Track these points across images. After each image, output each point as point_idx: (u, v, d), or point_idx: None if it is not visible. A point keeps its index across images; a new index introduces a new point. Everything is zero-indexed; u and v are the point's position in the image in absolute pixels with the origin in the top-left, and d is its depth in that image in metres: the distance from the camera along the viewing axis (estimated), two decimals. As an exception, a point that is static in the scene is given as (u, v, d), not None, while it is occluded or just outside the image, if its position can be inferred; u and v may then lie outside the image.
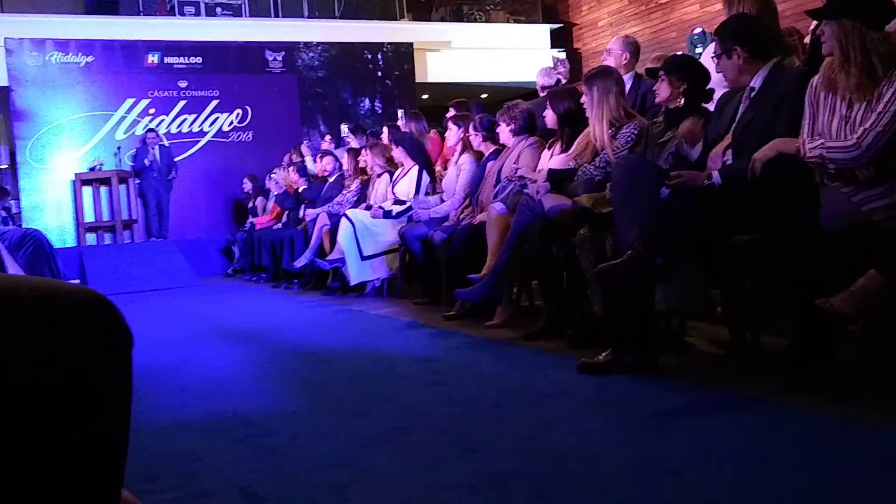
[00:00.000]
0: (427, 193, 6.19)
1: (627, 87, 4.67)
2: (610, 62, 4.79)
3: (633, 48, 4.96)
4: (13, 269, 3.15)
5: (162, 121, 11.02)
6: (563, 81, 6.33)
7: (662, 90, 3.49)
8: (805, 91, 2.78)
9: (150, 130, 10.69)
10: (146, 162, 10.55)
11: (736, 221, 2.77)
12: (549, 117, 4.38)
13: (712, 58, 3.19)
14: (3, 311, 0.88)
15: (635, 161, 3.25)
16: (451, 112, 6.38)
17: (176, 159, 10.93)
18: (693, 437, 2.13)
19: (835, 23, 2.58)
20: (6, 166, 13.38)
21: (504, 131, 4.86)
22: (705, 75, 3.49)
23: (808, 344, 2.66)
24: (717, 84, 3.57)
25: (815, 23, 3.93)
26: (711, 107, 3.45)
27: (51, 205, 10.47)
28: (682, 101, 3.44)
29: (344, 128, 9.63)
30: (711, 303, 3.68)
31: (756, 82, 2.99)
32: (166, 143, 10.77)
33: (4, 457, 0.90)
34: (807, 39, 4.50)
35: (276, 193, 9.49)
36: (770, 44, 3.08)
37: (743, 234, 2.77)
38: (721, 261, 3.04)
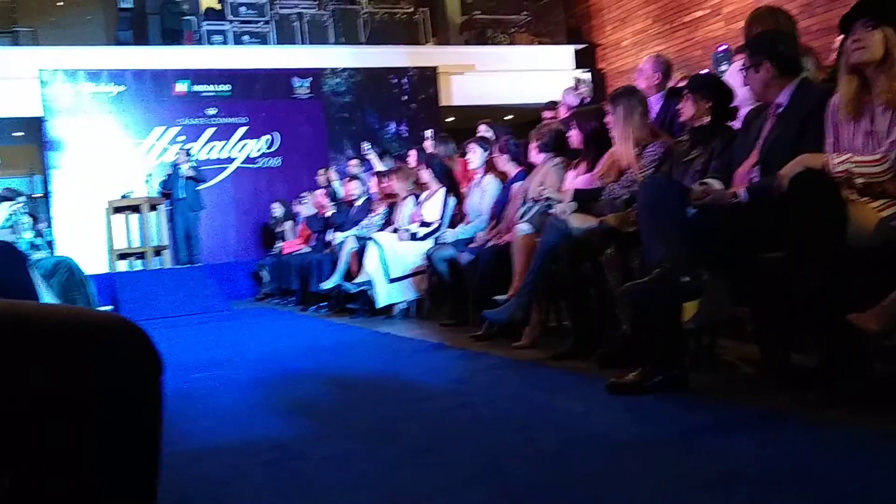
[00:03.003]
0: (454, 216, 6.22)
1: (657, 106, 4.66)
2: (641, 82, 4.78)
3: (664, 67, 4.94)
4: (47, 296, 3.20)
5: (192, 148, 11.17)
6: (587, 101, 6.34)
7: (687, 109, 3.48)
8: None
9: (181, 149, 10.83)
10: (166, 174, 10.69)
11: (763, 238, 2.75)
12: (575, 137, 4.38)
13: (741, 70, 3.18)
14: (38, 341, 0.90)
15: (661, 180, 3.25)
16: (484, 129, 6.33)
17: (203, 186, 11.01)
18: (724, 455, 2.11)
19: (891, 28, 2.55)
20: (40, 195, 13.61)
21: (533, 150, 4.89)
22: (730, 93, 3.48)
23: (838, 360, 2.63)
24: (743, 101, 3.56)
25: (840, 38, 3.91)
26: (737, 125, 3.43)
27: (83, 232, 10.62)
28: (708, 119, 3.43)
29: (365, 145, 9.70)
30: (741, 320, 3.65)
31: (783, 98, 2.97)
32: (194, 164, 10.86)
33: (39, 481, 0.92)
34: (832, 57, 4.47)
35: (305, 216, 9.56)
36: (799, 60, 3.07)
37: (771, 251, 2.75)
38: (749, 278, 3.02)
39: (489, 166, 5.65)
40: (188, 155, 10.77)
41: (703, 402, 2.76)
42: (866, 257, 2.44)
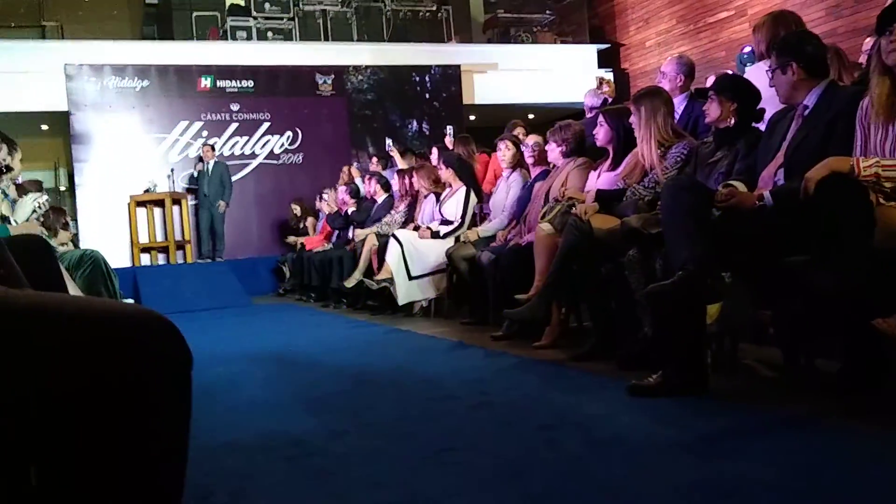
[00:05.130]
0: (475, 214, 6.22)
1: (681, 108, 4.63)
2: (665, 84, 4.74)
3: (687, 69, 4.90)
4: (73, 289, 3.24)
5: (215, 143, 11.24)
6: (609, 101, 6.31)
7: (712, 110, 3.45)
8: (859, 110, 2.74)
9: (206, 144, 10.89)
10: (194, 173, 10.72)
11: (788, 242, 2.73)
12: (603, 134, 4.33)
13: (767, 72, 3.15)
14: (69, 333, 0.91)
15: (685, 181, 3.22)
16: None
17: (236, 178, 11.12)
18: (744, 460, 2.10)
19: None
20: (65, 188, 13.74)
21: (554, 151, 4.85)
22: (756, 95, 3.45)
23: (861, 366, 2.60)
24: (769, 103, 3.52)
25: (870, 41, 3.87)
26: (762, 126, 3.41)
27: (106, 226, 10.72)
28: (733, 120, 3.40)
29: (389, 141, 9.70)
30: (763, 324, 3.62)
31: (810, 101, 2.95)
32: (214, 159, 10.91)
33: (66, 473, 0.93)
34: (862, 59, 4.43)
35: (326, 213, 9.59)
36: (826, 62, 3.04)
37: (795, 254, 2.73)
38: (773, 282, 2.99)
39: (518, 163, 5.64)
40: (213, 150, 10.83)
41: (724, 406, 2.75)
42: (893, 262, 2.41)
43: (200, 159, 10.81)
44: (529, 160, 5.35)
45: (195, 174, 10.82)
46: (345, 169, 10.10)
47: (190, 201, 10.92)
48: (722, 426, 2.49)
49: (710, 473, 2.00)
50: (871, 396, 2.62)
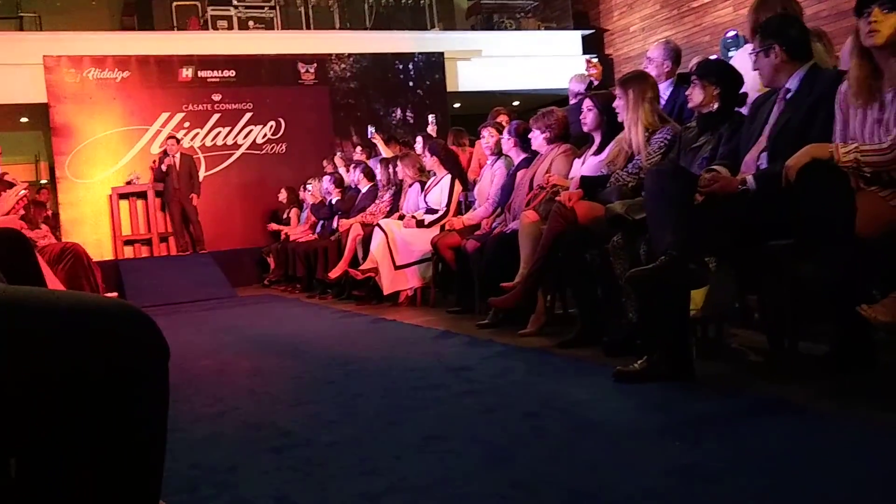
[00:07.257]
0: (460, 202, 6.21)
1: (667, 94, 4.62)
2: (651, 70, 4.73)
3: (674, 55, 4.88)
4: (53, 283, 3.21)
5: (197, 134, 11.15)
6: (595, 83, 6.30)
7: (695, 95, 3.45)
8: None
9: (170, 137, 10.72)
10: (163, 168, 10.56)
11: (771, 226, 2.74)
12: (591, 118, 4.29)
13: (750, 54, 3.15)
14: (44, 326, 0.90)
15: (668, 167, 3.23)
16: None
17: (210, 172, 11.03)
18: (730, 444, 2.11)
19: None
20: (45, 181, 13.62)
21: (538, 138, 4.84)
22: (739, 79, 3.45)
23: (847, 350, 2.62)
24: (751, 88, 3.53)
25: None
26: (745, 111, 3.41)
27: (89, 218, 10.62)
28: (716, 105, 3.40)
29: (371, 129, 9.63)
30: (748, 309, 3.64)
31: (792, 84, 2.95)
32: (187, 151, 10.77)
33: (44, 466, 0.91)
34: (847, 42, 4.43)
35: (311, 203, 9.55)
36: (809, 45, 3.04)
37: (779, 238, 2.73)
38: (757, 266, 3.00)
39: (499, 149, 5.63)
40: (178, 142, 10.67)
41: (710, 390, 2.76)
42: (875, 247, 2.42)
43: (166, 153, 10.58)
44: (506, 146, 5.34)
45: (164, 168, 10.55)
46: (328, 158, 10.04)
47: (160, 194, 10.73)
48: (708, 411, 2.50)
49: (697, 458, 2.01)
50: (855, 380, 2.63)
